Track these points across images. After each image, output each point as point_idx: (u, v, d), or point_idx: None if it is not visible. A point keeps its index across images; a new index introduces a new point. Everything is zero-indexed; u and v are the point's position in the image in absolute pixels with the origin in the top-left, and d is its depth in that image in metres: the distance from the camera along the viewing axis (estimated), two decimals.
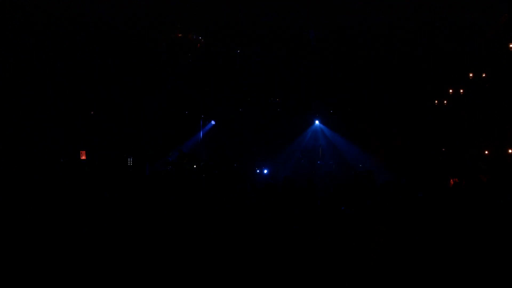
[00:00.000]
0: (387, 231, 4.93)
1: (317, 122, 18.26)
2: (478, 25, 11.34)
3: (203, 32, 13.43)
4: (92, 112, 14.76)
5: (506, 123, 11.11)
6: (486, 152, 11.70)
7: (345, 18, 11.93)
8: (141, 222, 5.91)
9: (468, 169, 11.42)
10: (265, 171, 16.18)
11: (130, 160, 15.76)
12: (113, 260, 4.88)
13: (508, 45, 10.51)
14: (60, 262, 4.81)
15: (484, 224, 5.61)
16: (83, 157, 14.21)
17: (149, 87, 14.85)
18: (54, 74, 12.71)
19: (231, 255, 5.07)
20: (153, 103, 15.72)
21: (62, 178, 11.16)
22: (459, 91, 12.84)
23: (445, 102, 13.62)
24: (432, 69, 13.29)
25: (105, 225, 5.71)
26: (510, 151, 10.90)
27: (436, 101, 13.98)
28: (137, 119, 15.82)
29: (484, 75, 11.74)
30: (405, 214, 5.98)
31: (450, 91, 13.28)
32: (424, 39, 12.61)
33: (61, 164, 13.20)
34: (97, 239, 5.28)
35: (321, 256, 4.99)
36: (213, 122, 18.27)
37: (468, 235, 5.19)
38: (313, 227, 5.58)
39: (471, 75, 12.16)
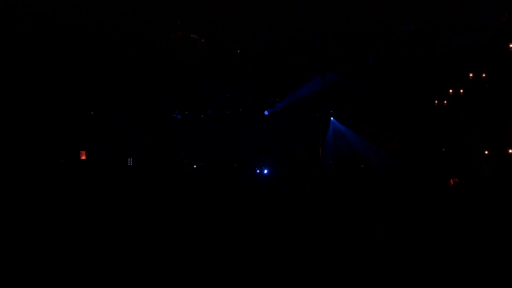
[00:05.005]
0: (387, 231, 4.92)
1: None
2: (478, 25, 11.32)
3: (203, 32, 13.42)
4: (92, 112, 14.75)
5: (506, 123, 11.09)
6: (486, 152, 11.69)
7: (345, 18, 11.92)
8: (142, 222, 5.91)
9: (468, 169, 11.41)
10: (265, 171, 16.17)
11: (130, 160, 15.76)
12: (113, 260, 4.88)
13: (508, 45, 10.49)
14: (60, 261, 4.81)
15: (484, 223, 5.61)
16: (83, 157, 14.21)
17: (149, 87, 14.84)
18: (54, 74, 12.70)
19: (232, 254, 5.07)
20: (153, 103, 15.71)
21: (62, 178, 11.16)
22: (459, 91, 12.82)
23: (445, 102, 13.60)
24: (432, 69, 13.27)
25: (105, 224, 5.70)
26: (510, 151, 10.89)
27: (436, 101, 13.97)
28: (137, 119, 15.80)
29: (484, 75, 11.72)
30: (405, 214, 5.97)
31: (450, 91, 13.26)
32: (424, 39, 12.59)
33: (61, 164, 13.19)
34: (97, 239, 5.27)
35: (322, 256, 4.99)
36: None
37: (468, 234, 5.19)
38: (313, 227, 5.58)
39: (471, 75, 12.14)
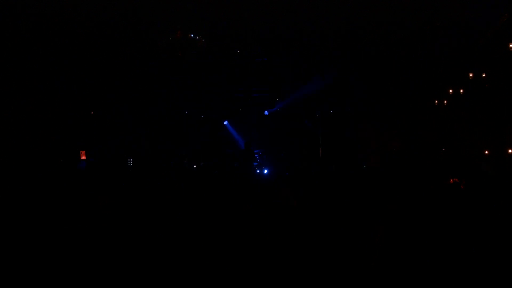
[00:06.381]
0: (387, 231, 4.92)
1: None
2: (478, 25, 11.32)
3: (203, 32, 13.43)
4: (92, 112, 14.76)
5: (506, 123, 11.09)
6: (486, 152, 11.69)
7: (344, 18, 11.92)
8: (141, 222, 5.91)
9: (468, 169, 11.41)
10: (265, 171, 16.19)
11: (130, 160, 15.78)
12: (113, 262, 4.88)
13: (508, 45, 10.49)
14: (60, 263, 4.81)
15: (484, 223, 5.61)
16: (83, 157, 14.22)
17: (149, 87, 14.85)
18: (54, 74, 12.70)
19: (231, 254, 5.07)
20: (153, 103, 15.73)
21: (62, 178, 11.16)
22: (459, 91, 12.81)
23: (445, 102, 13.60)
24: (432, 69, 13.27)
25: (105, 226, 5.70)
26: (510, 151, 10.88)
27: (436, 101, 13.96)
28: (138, 119, 15.81)
29: (484, 75, 11.71)
30: (406, 214, 5.97)
31: (450, 91, 13.26)
32: (425, 39, 12.59)
33: (61, 164, 13.20)
34: (97, 240, 5.28)
35: (321, 256, 4.99)
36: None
37: (469, 234, 5.19)
38: (312, 226, 5.58)
39: (471, 75, 12.13)
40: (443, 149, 13.82)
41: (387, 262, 4.61)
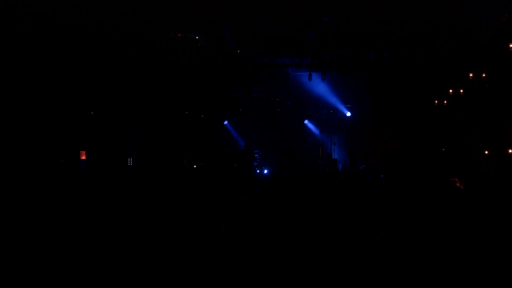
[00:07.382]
0: (387, 231, 4.92)
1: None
2: (478, 25, 11.32)
3: (203, 32, 13.43)
4: (92, 112, 14.76)
5: (506, 123, 11.08)
6: (486, 152, 11.68)
7: (344, 18, 11.92)
8: (140, 223, 5.91)
9: (468, 169, 11.41)
10: (265, 171, 16.20)
11: (130, 160, 15.80)
12: (112, 262, 4.89)
13: (508, 45, 10.47)
14: (59, 263, 4.82)
15: (484, 223, 5.62)
16: (83, 157, 14.23)
17: (149, 87, 14.85)
18: (54, 74, 12.70)
19: (230, 254, 5.08)
20: (153, 103, 15.73)
21: (62, 178, 11.17)
22: (459, 91, 12.81)
23: (445, 102, 13.60)
24: (432, 69, 13.28)
25: (105, 226, 5.71)
26: (510, 151, 10.88)
27: (436, 101, 13.97)
28: (138, 120, 15.82)
29: (484, 75, 11.70)
30: (406, 214, 5.97)
31: (450, 91, 13.26)
32: (425, 39, 12.59)
33: (60, 164, 13.21)
34: (97, 241, 5.28)
35: (321, 256, 4.99)
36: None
37: (469, 234, 5.19)
38: (313, 226, 5.59)
39: (471, 75, 12.12)
40: (443, 149, 13.83)
41: (387, 262, 4.61)
